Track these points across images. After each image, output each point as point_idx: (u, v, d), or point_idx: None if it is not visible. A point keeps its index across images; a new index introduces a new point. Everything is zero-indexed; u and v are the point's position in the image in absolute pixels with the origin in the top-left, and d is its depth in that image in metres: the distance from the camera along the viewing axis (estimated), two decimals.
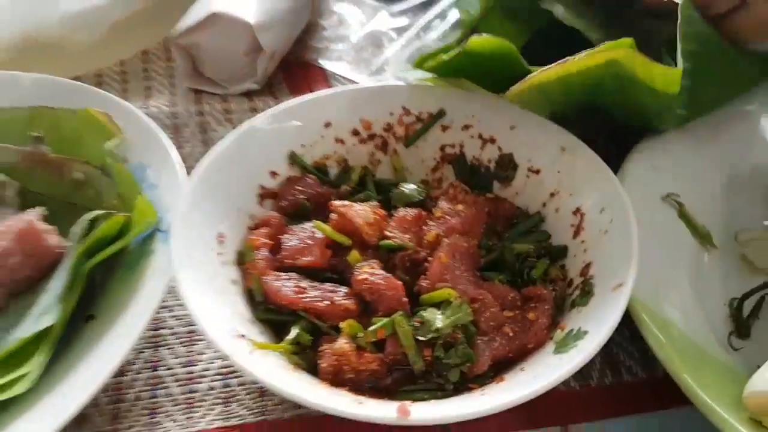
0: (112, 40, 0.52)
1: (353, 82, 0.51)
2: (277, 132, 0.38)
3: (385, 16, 0.56)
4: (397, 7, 0.56)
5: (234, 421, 0.33)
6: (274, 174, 0.38)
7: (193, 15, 0.48)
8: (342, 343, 0.31)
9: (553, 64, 0.36)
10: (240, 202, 0.36)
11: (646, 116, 0.39)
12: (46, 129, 0.40)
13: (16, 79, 0.43)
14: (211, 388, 0.34)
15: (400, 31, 0.54)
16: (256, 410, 0.33)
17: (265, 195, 0.37)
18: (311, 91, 0.49)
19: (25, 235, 0.35)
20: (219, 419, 0.33)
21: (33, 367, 0.31)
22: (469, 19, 0.43)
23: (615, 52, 0.35)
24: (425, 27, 0.54)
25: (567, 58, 0.36)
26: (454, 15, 0.53)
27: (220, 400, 0.34)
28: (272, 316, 0.33)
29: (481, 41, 0.37)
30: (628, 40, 0.35)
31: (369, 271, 0.33)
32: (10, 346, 0.32)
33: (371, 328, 0.31)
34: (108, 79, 0.52)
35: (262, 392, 0.34)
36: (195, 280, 0.31)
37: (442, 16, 0.54)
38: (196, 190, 0.34)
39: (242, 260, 0.35)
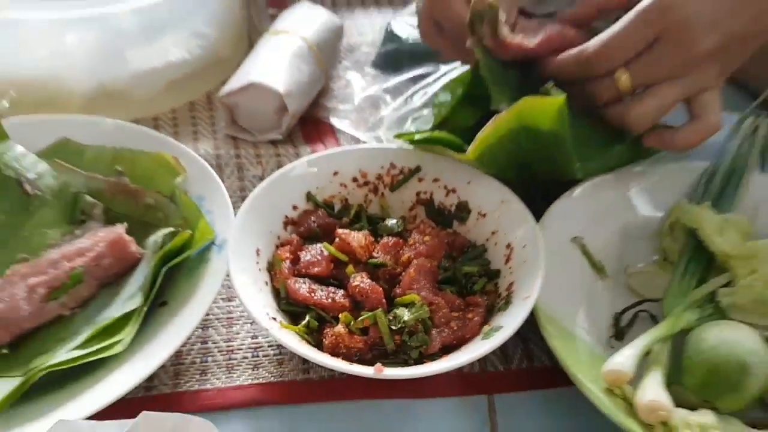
0: (166, 92, 0.66)
1: (354, 136, 0.66)
2: (299, 177, 0.53)
3: (382, 84, 0.71)
4: (393, 79, 0.71)
5: (261, 380, 0.47)
6: (295, 207, 0.52)
7: (236, 81, 0.63)
8: (339, 328, 0.45)
9: (478, 134, 0.50)
10: (271, 227, 0.51)
11: (557, 169, 0.52)
12: (126, 165, 0.55)
13: (100, 122, 0.58)
14: (244, 358, 0.48)
15: (394, 95, 0.69)
16: (276, 374, 0.47)
17: (287, 222, 0.52)
18: (322, 143, 0.65)
19: (115, 243, 0.49)
20: (250, 379, 0.47)
21: (125, 335, 0.45)
22: (441, 114, 0.58)
23: (520, 104, 0.48)
24: (412, 95, 0.69)
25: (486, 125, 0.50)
26: (434, 88, 0.68)
27: (250, 367, 0.48)
28: (291, 308, 0.47)
29: (440, 135, 0.53)
30: (529, 97, 0.48)
31: (360, 280, 0.47)
32: (106, 321, 0.46)
33: (359, 318, 0.45)
34: (162, 123, 0.66)
35: (280, 362, 0.48)
36: (243, 281, 0.45)
37: (425, 87, 0.69)
38: (243, 218, 0.49)
39: (272, 268, 0.49)
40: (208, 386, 0.46)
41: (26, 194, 0.52)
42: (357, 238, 0.50)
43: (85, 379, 0.43)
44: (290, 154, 0.63)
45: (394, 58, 0.73)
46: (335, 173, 0.54)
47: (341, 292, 0.47)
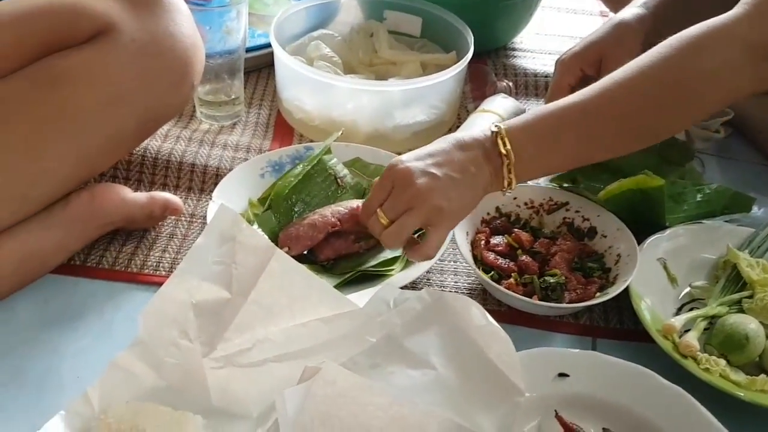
0: (411, 139, 1.05)
1: None
2: (494, 197, 0.89)
3: None
4: None
5: None
6: (488, 213, 0.88)
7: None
8: (511, 281, 0.80)
9: (608, 187, 0.84)
10: (475, 222, 0.87)
11: (654, 216, 0.84)
12: None
13: (377, 151, 0.97)
14: (453, 291, 0.84)
15: None
16: None
17: (483, 221, 0.88)
18: None
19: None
20: None
21: (396, 265, 0.82)
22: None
23: (639, 177, 0.83)
24: None
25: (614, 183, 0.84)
26: None
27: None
28: (483, 266, 0.82)
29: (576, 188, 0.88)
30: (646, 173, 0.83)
31: (525, 258, 0.82)
32: (384, 258, 0.84)
33: (524, 277, 0.80)
34: None
35: (472, 297, 0.84)
36: (463, 246, 0.81)
37: None
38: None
39: (474, 243, 0.85)
40: None
41: (338, 185, 0.92)
42: (525, 235, 0.85)
43: (374, 282, 0.81)
44: None
45: None
46: (515, 198, 0.90)
47: (512, 263, 0.82)
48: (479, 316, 0.64)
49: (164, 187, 0.95)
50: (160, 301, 0.67)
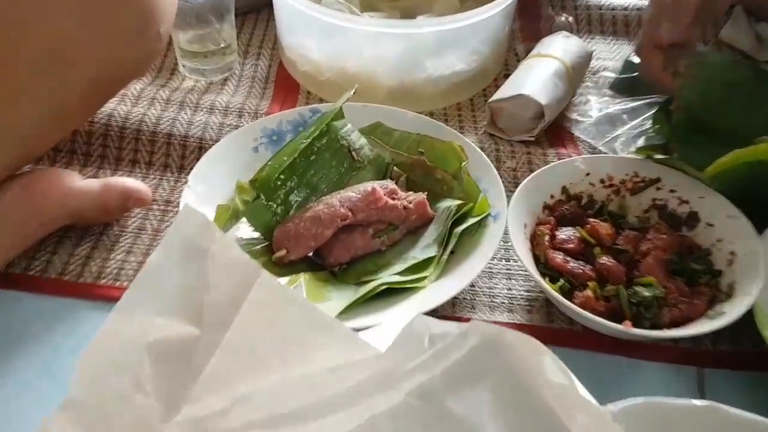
0: (447, 93, 0.83)
1: (593, 145, 0.79)
2: (558, 173, 0.67)
3: (619, 105, 0.83)
4: (628, 102, 0.83)
5: (514, 321, 0.62)
6: (552, 196, 0.67)
7: (506, 90, 0.78)
8: (588, 293, 0.58)
9: (718, 160, 0.61)
10: (534, 208, 0.65)
11: None
12: (425, 148, 0.72)
13: (404, 114, 0.76)
14: (502, 302, 0.63)
15: (631, 116, 0.81)
16: (526, 318, 0.62)
17: (545, 207, 0.66)
18: (564, 147, 0.79)
19: (419, 204, 0.67)
20: (506, 318, 0.62)
21: (429, 273, 0.62)
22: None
23: (761, 145, 0.59)
24: (647, 118, 0.80)
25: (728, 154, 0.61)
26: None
27: (507, 310, 0.63)
28: (547, 272, 0.61)
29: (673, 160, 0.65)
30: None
31: (606, 259, 0.60)
32: (413, 261, 0.63)
33: (606, 288, 0.59)
34: (436, 117, 0.83)
35: (529, 310, 0.63)
36: (520, 243, 0.60)
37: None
38: (516, 201, 0.64)
39: (533, 239, 0.64)
40: (475, 317, 0.62)
41: (353, 159, 0.71)
42: (604, 227, 0.63)
43: (400, 296, 0.60)
44: (538, 153, 0.77)
45: (630, 84, 0.85)
46: (587, 174, 0.68)
47: (588, 266, 0.61)
48: (554, 370, 0.43)
49: (134, 164, 0.75)
50: (102, 342, 0.48)
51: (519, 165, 0.76)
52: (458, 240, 0.64)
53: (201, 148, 0.75)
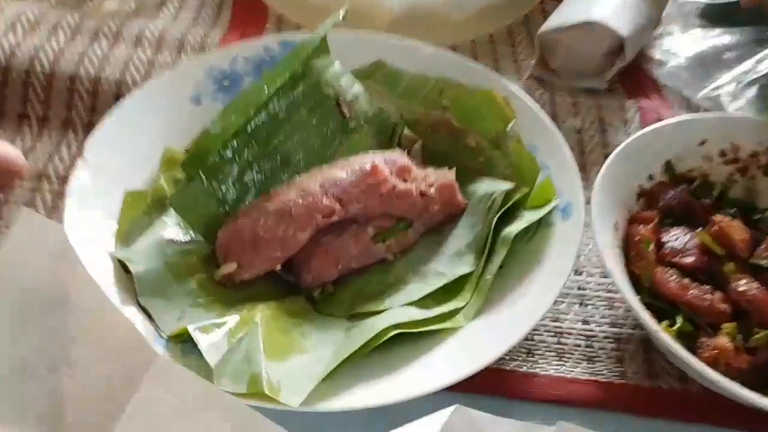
0: (474, 20, 0.59)
1: (687, 97, 0.55)
2: (662, 141, 0.44)
3: (714, 40, 0.59)
4: (725, 35, 0.59)
5: (599, 377, 0.40)
6: (650, 177, 0.44)
7: (564, 16, 0.54)
8: (724, 341, 0.36)
9: None
10: (625, 199, 0.42)
11: None
12: (450, 100, 0.49)
13: (418, 47, 0.52)
14: (576, 345, 0.41)
15: (735, 57, 0.57)
16: (616, 373, 0.40)
17: (641, 194, 0.43)
18: (647, 98, 0.55)
19: (445, 188, 0.44)
20: (586, 373, 0.40)
21: (464, 302, 0.39)
22: None
23: None
24: (761, 60, 0.57)
25: None
26: None
27: (584, 358, 0.41)
28: (653, 301, 0.39)
29: None
30: None
31: (748, 285, 0.38)
32: (439, 281, 0.40)
33: (756, 336, 0.36)
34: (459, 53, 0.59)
35: (620, 359, 0.41)
36: (611, 258, 0.38)
37: None
38: (600, 186, 0.41)
39: (626, 246, 0.41)
40: (538, 371, 0.40)
41: (343, 117, 0.47)
42: (737, 228, 0.40)
43: (419, 346, 0.38)
44: (613, 107, 0.54)
45: (726, 10, 0.62)
46: (702, 142, 0.44)
47: (718, 294, 0.38)
48: None
49: (22, 119, 0.53)
50: None
51: (587, 125, 0.53)
52: (510, 247, 0.41)
53: (119, 97, 0.51)
